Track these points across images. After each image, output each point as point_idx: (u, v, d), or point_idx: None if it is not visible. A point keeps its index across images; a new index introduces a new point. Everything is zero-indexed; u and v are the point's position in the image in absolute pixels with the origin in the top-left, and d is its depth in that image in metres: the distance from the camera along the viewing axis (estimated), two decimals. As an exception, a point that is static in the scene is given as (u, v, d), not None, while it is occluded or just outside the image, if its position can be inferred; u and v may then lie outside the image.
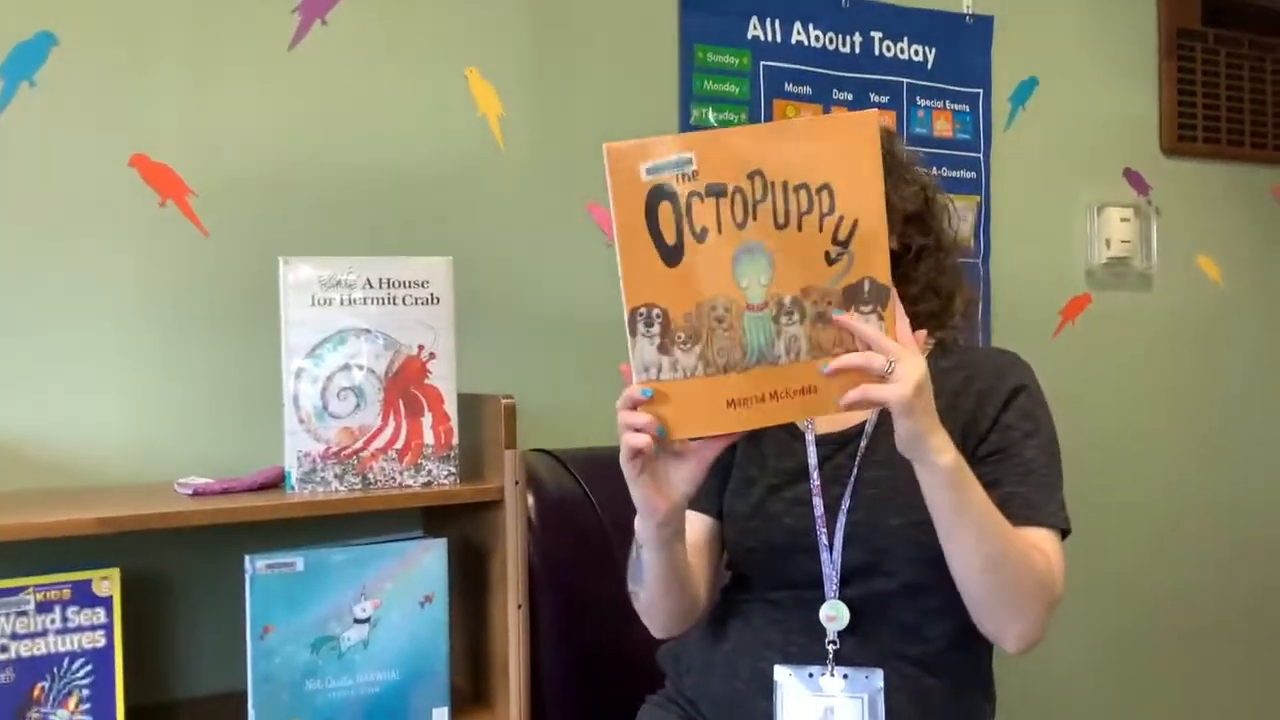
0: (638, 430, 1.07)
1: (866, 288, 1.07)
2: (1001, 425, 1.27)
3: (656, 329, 1.06)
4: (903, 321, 1.09)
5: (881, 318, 1.08)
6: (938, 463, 1.10)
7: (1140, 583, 2.48)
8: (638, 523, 1.18)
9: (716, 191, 1.04)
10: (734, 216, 1.05)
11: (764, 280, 1.06)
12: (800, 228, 1.05)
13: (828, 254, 1.06)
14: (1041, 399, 1.31)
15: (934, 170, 2.19)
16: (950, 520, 1.14)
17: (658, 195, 1.04)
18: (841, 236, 1.06)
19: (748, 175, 1.04)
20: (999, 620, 1.20)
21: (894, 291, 1.08)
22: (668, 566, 1.22)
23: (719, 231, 1.05)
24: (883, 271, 1.07)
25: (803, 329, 1.07)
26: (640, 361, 1.06)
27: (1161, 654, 2.52)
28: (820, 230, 1.06)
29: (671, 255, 1.05)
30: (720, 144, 1.05)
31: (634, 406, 1.08)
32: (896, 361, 1.05)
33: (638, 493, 1.13)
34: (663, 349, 1.06)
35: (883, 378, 1.05)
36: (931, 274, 1.35)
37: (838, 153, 1.05)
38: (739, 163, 1.04)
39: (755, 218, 1.05)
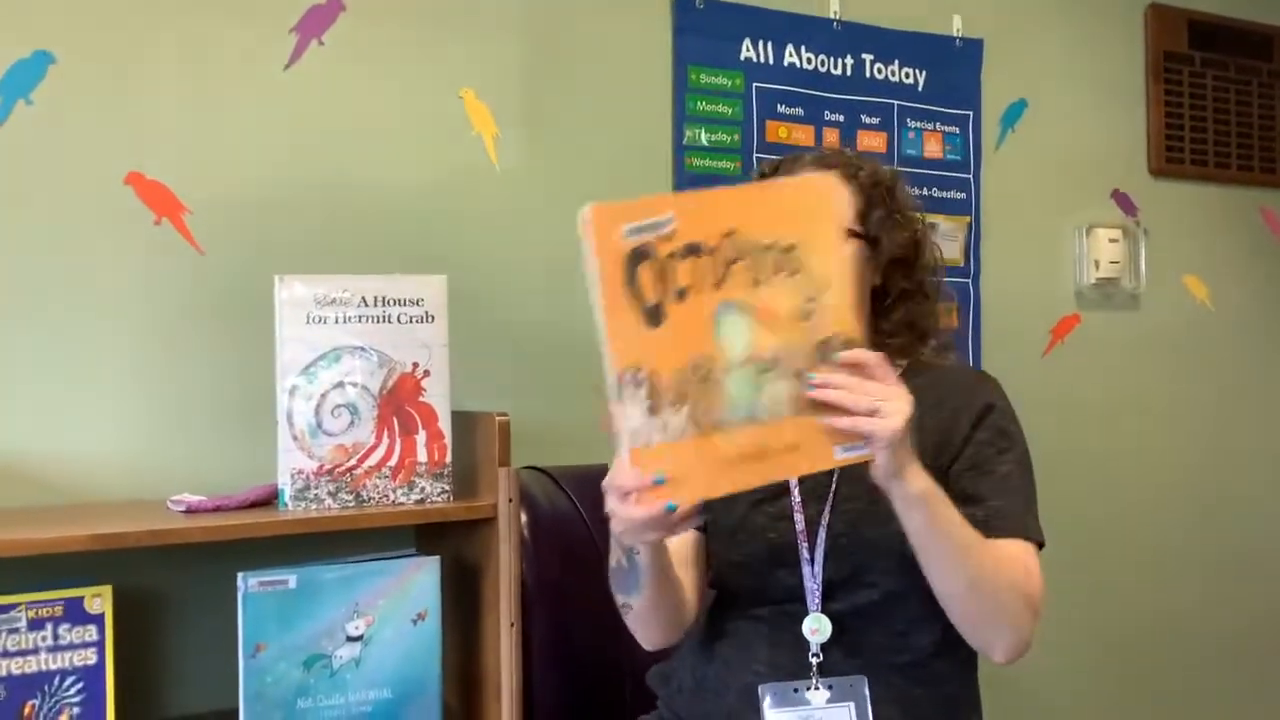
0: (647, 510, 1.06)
1: (838, 342, 1.09)
2: (975, 441, 1.29)
3: (644, 391, 1.05)
4: (882, 367, 1.10)
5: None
6: (912, 490, 1.12)
7: (1127, 598, 2.49)
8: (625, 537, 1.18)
9: (694, 250, 1.05)
10: (712, 275, 1.06)
11: (744, 338, 1.07)
12: (774, 286, 1.08)
13: (799, 311, 1.09)
14: (1013, 415, 1.34)
15: (924, 190, 2.21)
16: (928, 545, 1.16)
17: (638, 256, 1.03)
18: (811, 294, 1.09)
19: (723, 234, 1.06)
20: (986, 635, 1.23)
21: (864, 343, 1.11)
22: (659, 567, 1.23)
23: (698, 291, 1.05)
24: (852, 326, 1.11)
25: (783, 385, 1.08)
26: (631, 425, 1.05)
27: (1147, 667, 2.53)
28: (792, 288, 1.08)
29: (653, 316, 1.05)
30: (697, 204, 1.07)
31: (631, 492, 1.05)
32: (883, 400, 1.07)
33: (643, 551, 1.17)
34: (653, 410, 1.05)
35: (871, 413, 1.06)
36: (908, 317, 1.37)
37: (803, 214, 1.09)
38: (715, 223, 1.06)
39: (732, 276, 1.06)
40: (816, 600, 1.26)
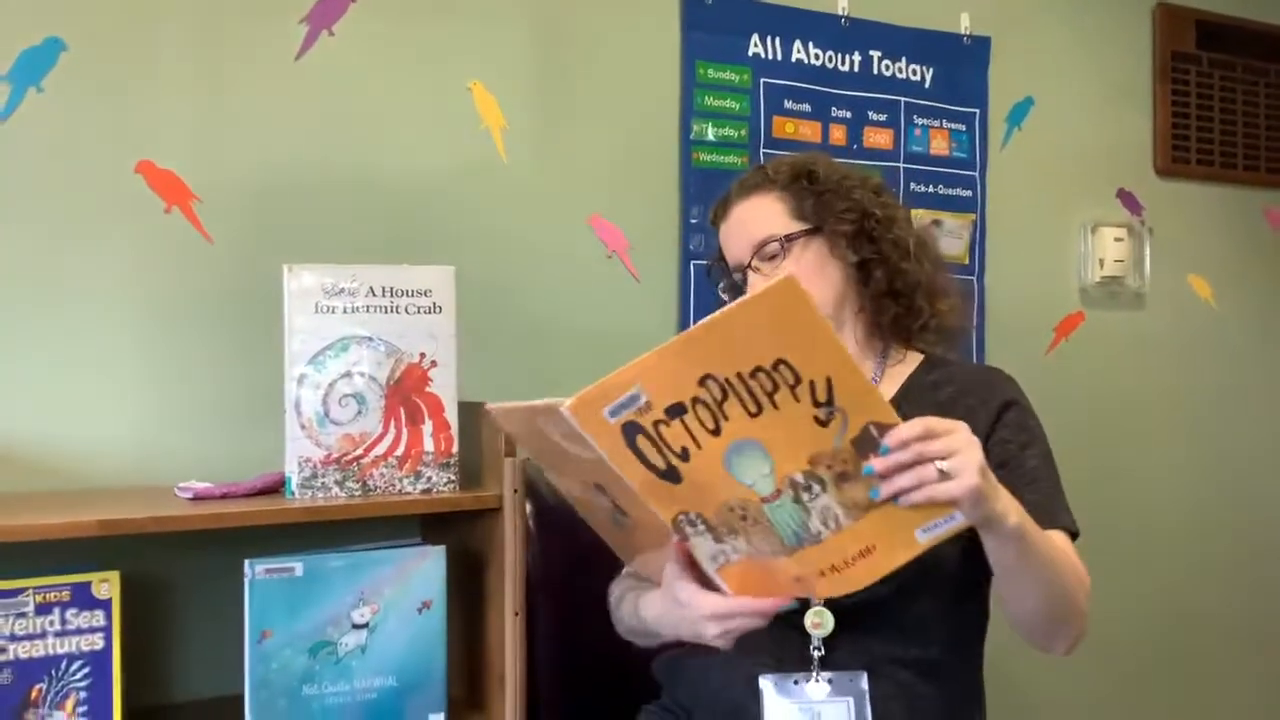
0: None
1: (873, 432, 1.03)
2: (997, 439, 1.29)
3: (701, 526, 1.06)
4: (930, 427, 1.03)
5: None
6: (1006, 525, 1.08)
7: (1132, 598, 2.49)
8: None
9: (677, 412, 1.00)
10: (705, 426, 1.01)
11: (765, 470, 1.03)
12: (776, 406, 1.01)
13: (817, 418, 1.02)
14: (1031, 411, 1.34)
15: (930, 187, 2.21)
16: (1019, 573, 1.15)
17: (631, 432, 1.00)
18: (820, 398, 1.02)
19: (698, 383, 1.00)
20: (1056, 634, 1.23)
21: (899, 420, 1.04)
22: None
23: (698, 446, 1.01)
24: (881, 410, 1.03)
25: (830, 497, 1.04)
26: (706, 553, 1.07)
27: (1152, 666, 2.53)
28: (797, 400, 1.01)
29: (671, 476, 1.02)
30: (660, 367, 0.99)
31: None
32: (950, 455, 1.01)
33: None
34: (717, 539, 1.07)
35: (942, 475, 1.01)
36: (883, 284, 1.37)
37: (772, 326, 1.00)
38: (685, 376, 1.00)
39: (727, 418, 1.01)
40: None
